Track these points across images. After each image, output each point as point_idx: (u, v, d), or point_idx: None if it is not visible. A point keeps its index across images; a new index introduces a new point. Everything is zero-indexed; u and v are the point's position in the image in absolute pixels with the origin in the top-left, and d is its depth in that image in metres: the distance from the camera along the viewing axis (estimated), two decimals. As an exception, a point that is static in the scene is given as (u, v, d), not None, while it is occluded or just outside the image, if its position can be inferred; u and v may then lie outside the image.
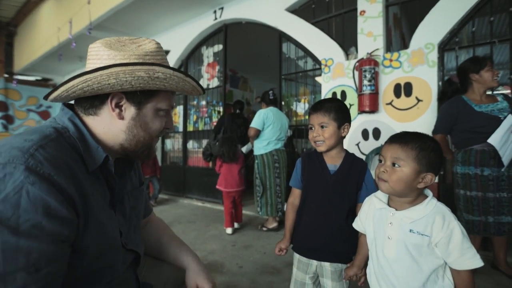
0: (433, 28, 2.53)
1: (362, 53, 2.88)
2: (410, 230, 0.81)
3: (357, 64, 2.86)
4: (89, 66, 0.65)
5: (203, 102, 4.82)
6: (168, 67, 0.65)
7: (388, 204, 0.89)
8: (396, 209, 0.86)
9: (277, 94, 3.30)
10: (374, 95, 2.72)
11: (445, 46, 2.53)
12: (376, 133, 2.81)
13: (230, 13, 4.02)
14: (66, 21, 5.08)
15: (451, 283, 0.81)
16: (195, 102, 4.97)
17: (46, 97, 0.64)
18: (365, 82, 2.71)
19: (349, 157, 1.15)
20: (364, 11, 2.89)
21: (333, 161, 1.15)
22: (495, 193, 1.77)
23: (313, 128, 1.14)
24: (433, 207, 0.81)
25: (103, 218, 0.63)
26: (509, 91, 2.69)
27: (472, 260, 0.76)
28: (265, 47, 4.81)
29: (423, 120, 2.54)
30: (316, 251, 1.13)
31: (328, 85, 3.14)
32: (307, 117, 3.57)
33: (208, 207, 4.02)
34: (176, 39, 4.78)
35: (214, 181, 3.16)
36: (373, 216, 0.93)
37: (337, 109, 1.11)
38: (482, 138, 1.76)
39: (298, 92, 3.96)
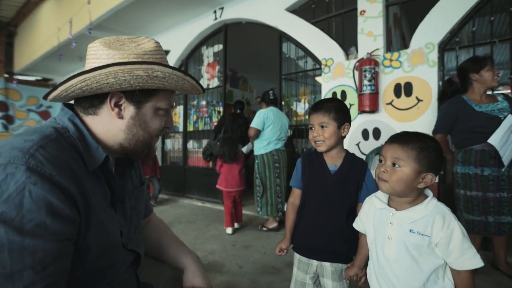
0: (433, 28, 2.52)
1: (362, 53, 2.88)
2: (410, 230, 0.81)
3: (357, 64, 2.85)
4: (88, 65, 0.65)
5: (203, 102, 4.82)
6: (167, 65, 0.65)
7: (388, 204, 0.89)
8: (396, 209, 0.86)
9: (277, 94, 3.30)
10: (374, 95, 2.72)
11: (445, 46, 2.53)
12: (376, 133, 2.81)
13: (230, 13, 4.02)
14: (66, 21, 5.08)
15: (451, 283, 0.80)
16: (195, 102, 4.97)
17: (45, 97, 0.64)
18: (365, 82, 2.70)
19: (349, 157, 1.15)
20: (364, 11, 2.89)
21: (333, 161, 1.15)
22: (495, 193, 1.77)
23: (313, 128, 1.14)
24: (433, 207, 0.81)
25: (104, 217, 0.63)
26: (509, 91, 2.68)
27: (472, 260, 0.76)
28: (265, 47, 4.81)
29: (423, 120, 2.54)
30: (317, 251, 1.13)
31: (328, 85, 3.14)
32: (307, 117, 3.57)
33: (208, 207, 4.03)
34: (176, 39, 4.78)
35: (214, 181, 3.17)
36: (373, 216, 0.92)
37: (337, 109, 1.11)
38: (482, 138, 1.76)
39: (298, 92, 3.96)
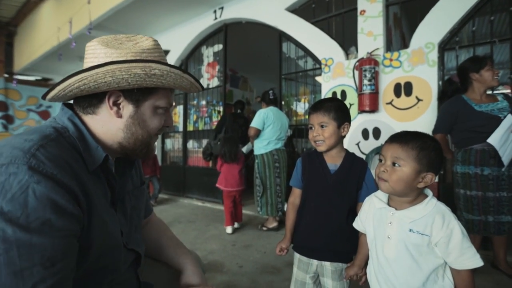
0: (433, 28, 2.52)
1: (362, 52, 2.88)
2: (410, 230, 0.81)
3: (357, 63, 2.85)
4: (86, 64, 0.64)
5: (203, 102, 4.82)
6: (165, 63, 0.64)
7: (388, 204, 0.89)
8: (396, 209, 0.86)
9: (277, 94, 3.30)
10: (374, 95, 2.72)
11: (445, 46, 2.53)
12: (376, 132, 2.81)
13: (230, 13, 4.02)
14: (66, 21, 5.08)
15: (451, 283, 0.80)
16: (195, 102, 4.97)
17: (43, 97, 0.64)
18: (365, 81, 2.70)
19: (349, 157, 1.15)
20: (364, 11, 2.89)
21: (333, 161, 1.15)
22: (495, 192, 1.77)
23: (313, 128, 1.14)
24: (433, 207, 0.81)
25: (106, 217, 0.63)
26: (509, 90, 2.68)
27: (472, 259, 0.76)
28: (265, 47, 4.81)
29: (423, 119, 2.54)
30: (317, 251, 1.13)
31: (328, 85, 3.14)
32: (307, 116, 3.57)
33: (208, 207, 4.03)
34: (176, 39, 4.78)
35: (214, 180, 3.17)
36: (373, 216, 0.92)
37: (336, 108, 1.11)
38: (482, 138, 1.76)
39: (298, 92, 3.96)
